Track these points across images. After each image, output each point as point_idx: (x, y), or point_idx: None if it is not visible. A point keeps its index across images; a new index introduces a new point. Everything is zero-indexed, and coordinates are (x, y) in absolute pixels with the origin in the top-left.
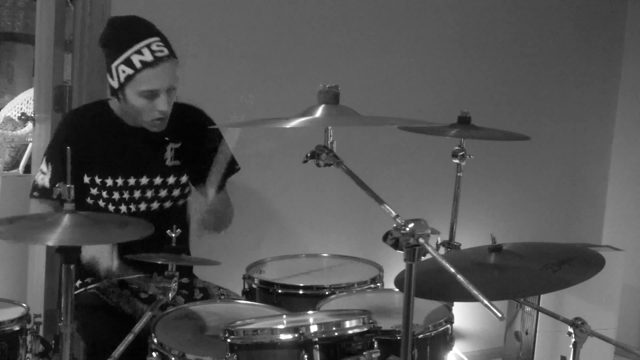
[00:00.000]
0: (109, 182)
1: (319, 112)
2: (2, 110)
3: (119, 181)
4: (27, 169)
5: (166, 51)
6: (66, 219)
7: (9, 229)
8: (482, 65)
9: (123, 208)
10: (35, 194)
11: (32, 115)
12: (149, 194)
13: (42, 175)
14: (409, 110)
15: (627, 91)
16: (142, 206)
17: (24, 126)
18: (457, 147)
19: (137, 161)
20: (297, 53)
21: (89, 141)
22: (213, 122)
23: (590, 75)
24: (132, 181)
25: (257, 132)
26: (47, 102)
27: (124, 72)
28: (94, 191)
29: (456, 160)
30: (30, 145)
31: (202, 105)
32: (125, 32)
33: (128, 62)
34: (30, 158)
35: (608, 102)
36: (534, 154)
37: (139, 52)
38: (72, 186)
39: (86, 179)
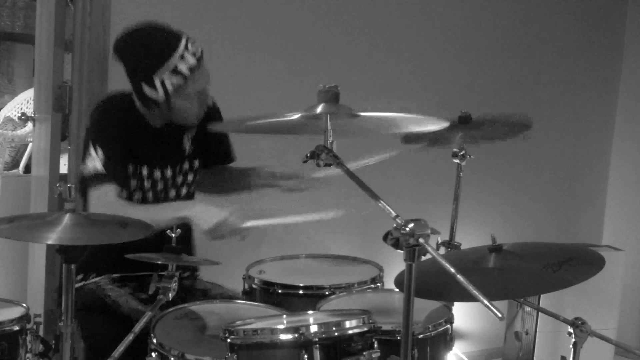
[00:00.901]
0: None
1: (318, 112)
2: (2, 110)
3: (144, 170)
4: (27, 169)
5: (198, 48)
6: (66, 218)
7: (8, 227)
8: (482, 65)
9: (150, 196)
10: (92, 183)
11: (32, 115)
12: (170, 183)
13: (92, 161)
14: (409, 110)
15: (627, 91)
16: (162, 196)
17: (24, 126)
18: (457, 147)
19: (161, 156)
20: (297, 53)
21: (121, 131)
22: (220, 112)
23: (590, 75)
24: (157, 173)
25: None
26: (47, 102)
27: (172, 83)
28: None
29: (456, 160)
30: (30, 145)
31: None
32: (158, 38)
33: (176, 72)
34: (30, 158)
35: (608, 102)
36: (533, 153)
37: (182, 58)
38: (73, 186)
39: (131, 168)
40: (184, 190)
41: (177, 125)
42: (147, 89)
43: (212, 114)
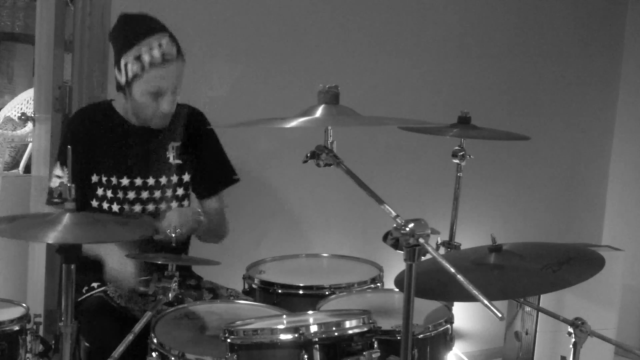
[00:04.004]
0: (114, 181)
1: (319, 112)
2: (2, 110)
3: (124, 181)
4: (27, 169)
5: (174, 52)
6: (67, 218)
7: (9, 227)
8: (482, 65)
9: (127, 208)
10: (55, 200)
11: (32, 115)
12: (157, 194)
13: (59, 180)
14: (409, 110)
15: (627, 91)
16: (150, 207)
17: (24, 126)
18: (457, 147)
19: (143, 162)
20: (297, 53)
21: (96, 140)
22: (209, 123)
23: (590, 75)
24: (139, 181)
25: (257, 132)
26: (47, 102)
27: (132, 69)
28: (99, 191)
29: (456, 160)
30: (30, 145)
31: (201, 106)
32: (136, 27)
33: (137, 60)
34: (30, 158)
35: (608, 102)
36: (534, 154)
37: (149, 50)
38: (73, 185)
39: (94, 179)
40: (163, 205)
41: (155, 131)
42: (116, 72)
43: (193, 119)
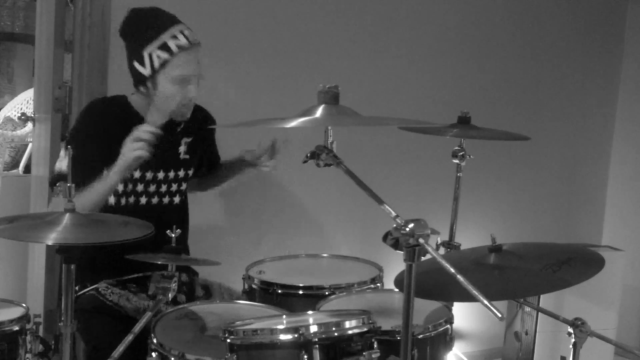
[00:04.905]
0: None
1: (319, 112)
2: (2, 110)
3: (136, 174)
4: (27, 169)
5: (195, 37)
6: (66, 218)
7: (8, 228)
8: (482, 65)
9: (132, 200)
10: (57, 184)
11: (32, 115)
12: (164, 188)
13: (60, 162)
14: (409, 110)
15: (627, 91)
16: (154, 200)
17: (24, 126)
18: (457, 147)
19: (155, 156)
20: (297, 53)
21: (110, 132)
22: (215, 121)
23: (590, 75)
24: (149, 175)
25: (257, 132)
26: (47, 102)
27: (159, 57)
28: None
29: (456, 160)
30: (30, 145)
31: (202, 106)
32: (156, 19)
33: (164, 47)
34: (30, 158)
35: (608, 102)
36: (534, 154)
37: (174, 37)
38: (73, 185)
39: (106, 172)
40: (166, 199)
41: (173, 126)
42: (137, 66)
43: (201, 116)
